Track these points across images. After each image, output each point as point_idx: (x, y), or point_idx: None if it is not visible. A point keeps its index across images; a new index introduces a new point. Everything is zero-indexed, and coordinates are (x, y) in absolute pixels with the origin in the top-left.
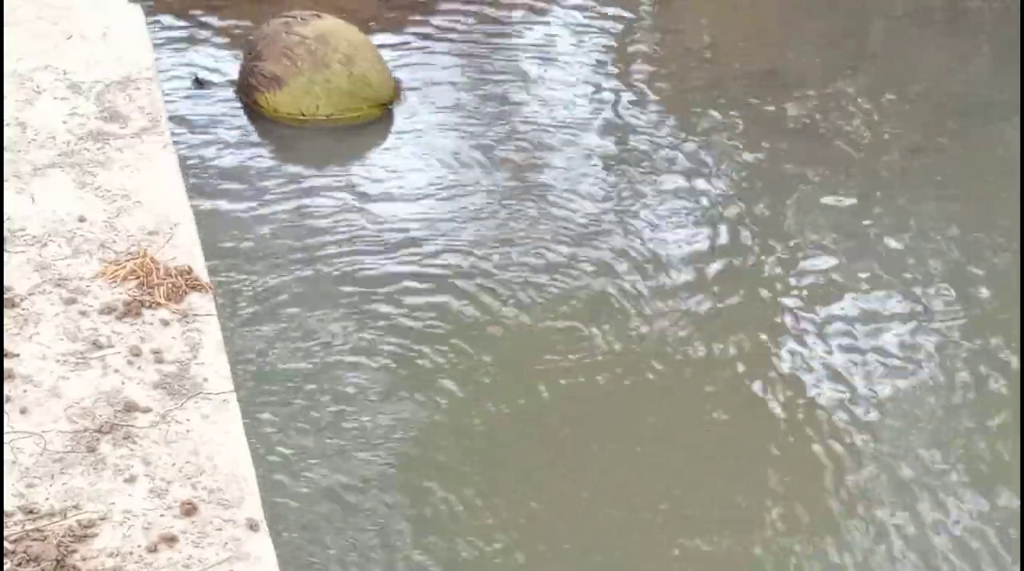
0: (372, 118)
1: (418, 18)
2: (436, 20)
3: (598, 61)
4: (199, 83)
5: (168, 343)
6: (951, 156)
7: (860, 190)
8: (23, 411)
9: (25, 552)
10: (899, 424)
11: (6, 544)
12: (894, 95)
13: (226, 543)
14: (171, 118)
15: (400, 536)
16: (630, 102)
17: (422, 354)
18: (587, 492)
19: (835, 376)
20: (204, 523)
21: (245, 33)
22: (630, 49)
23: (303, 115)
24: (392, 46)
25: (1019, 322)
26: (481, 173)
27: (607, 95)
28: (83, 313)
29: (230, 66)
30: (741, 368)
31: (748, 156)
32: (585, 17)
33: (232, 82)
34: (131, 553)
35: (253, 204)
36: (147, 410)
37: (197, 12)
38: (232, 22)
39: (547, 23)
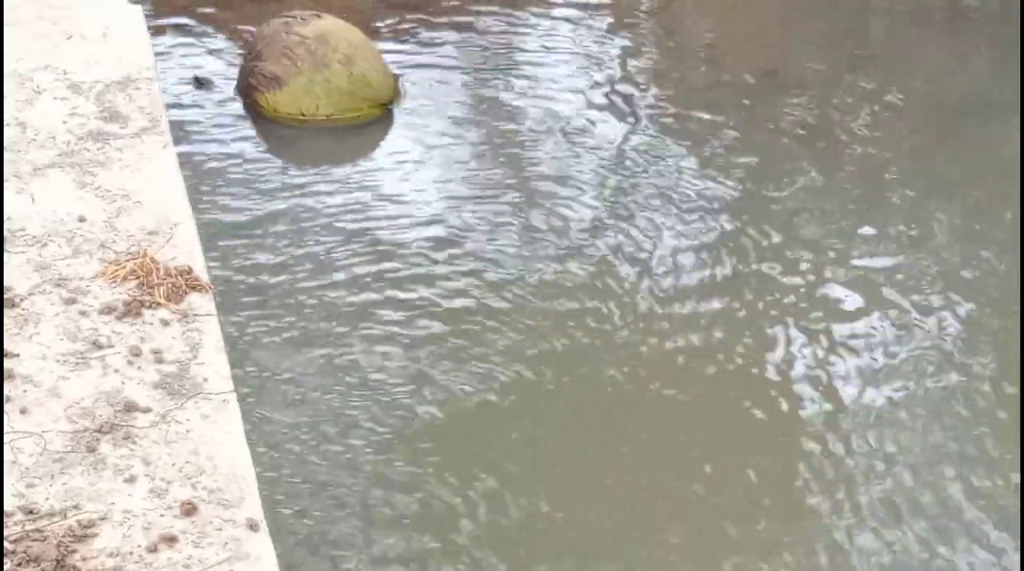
0: (372, 118)
1: (418, 18)
2: (436, 20)
3: (597, 61)
4: (199, 83)
5: (168, 343)
6: (952, 157)
7: (859, 190)
8: (23, 411)
9: (25, 552)
10: (897, 425)
11: (6, 544)
12: (893, 95)
13: (226, 543)
14: (171, 118)
15: None
16: (629, 103)
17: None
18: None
19: (833, 377)
20: (204, 523)
21: (245, 33)
22: (629, 49)
23: (303, 115)
24: (392, 46)
25: (1019, 322)
26: (481, 172)
27: (606, 96)
28: (83, 313)
29: (230, 66)
30: (730, 369)
31: (746, 157)
32: (584, 17)
33: (232, 82)
34: (131, 553)
35: (253, 204)
36: (147, 410)
37: (197, 11)
38: (232, 22)
39: (546, 23)
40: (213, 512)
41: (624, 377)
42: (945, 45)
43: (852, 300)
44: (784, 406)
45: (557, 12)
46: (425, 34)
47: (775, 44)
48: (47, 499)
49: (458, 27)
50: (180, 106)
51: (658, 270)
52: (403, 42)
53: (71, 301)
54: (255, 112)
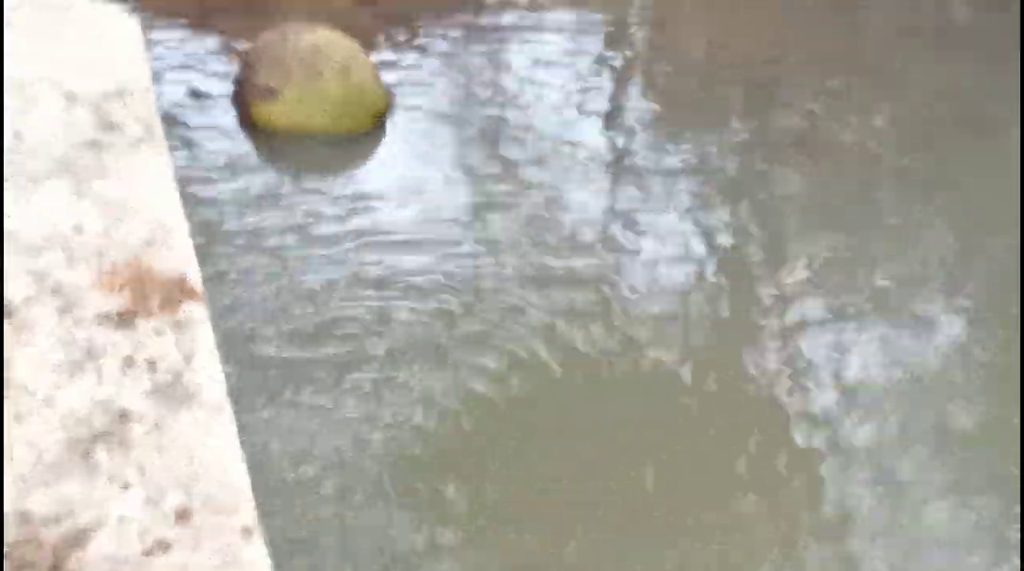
0: (367, 129)
1: (413, 29)
2: (431, 31)
3: (592, 65)
4: (195, 94)
5: (162, 351)
6: (948, 166)
7: (855, 198)
8: (17, 418)
9: (20, 559)
10: (892, 429)
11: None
12: (890, 104)
13: (220, 549)
14: (166, 128)
15: None
16: (624, 108)
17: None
18: None
19: (831, 376)
20: (198, 530)
21: (241, 45)
22: (624, 54)
23: (298, 126)
24: (387, 58)
25: (1019, 322)
26: (477, 181)
27: (601, 100)
28: (78, 322)
29: (226, 78)
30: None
31: (742, 164)
32: (579, 21)
33: (228, 93)
34: (126, 559)
35: (248, 214)
36: (141, 418)
37: (194, 23)
38: (228, 34)
39: (540, 28)
40: (207, 519)
41: (615, 384)
42: (942, 57)
43: (847, 309)
44: (779, 411)
45: (551, 16)
46: (420, 47)
47: (770, 54)
48: (41, 506)
49: (452, 37)
50: (176, 117)
51: (654, 274)
52: (398, 54)
53: (66, 310)
54: (250, 123)
